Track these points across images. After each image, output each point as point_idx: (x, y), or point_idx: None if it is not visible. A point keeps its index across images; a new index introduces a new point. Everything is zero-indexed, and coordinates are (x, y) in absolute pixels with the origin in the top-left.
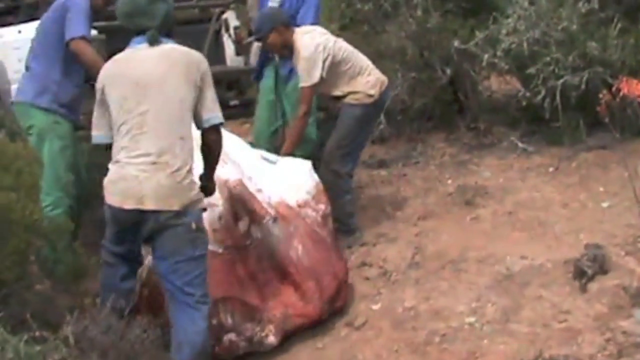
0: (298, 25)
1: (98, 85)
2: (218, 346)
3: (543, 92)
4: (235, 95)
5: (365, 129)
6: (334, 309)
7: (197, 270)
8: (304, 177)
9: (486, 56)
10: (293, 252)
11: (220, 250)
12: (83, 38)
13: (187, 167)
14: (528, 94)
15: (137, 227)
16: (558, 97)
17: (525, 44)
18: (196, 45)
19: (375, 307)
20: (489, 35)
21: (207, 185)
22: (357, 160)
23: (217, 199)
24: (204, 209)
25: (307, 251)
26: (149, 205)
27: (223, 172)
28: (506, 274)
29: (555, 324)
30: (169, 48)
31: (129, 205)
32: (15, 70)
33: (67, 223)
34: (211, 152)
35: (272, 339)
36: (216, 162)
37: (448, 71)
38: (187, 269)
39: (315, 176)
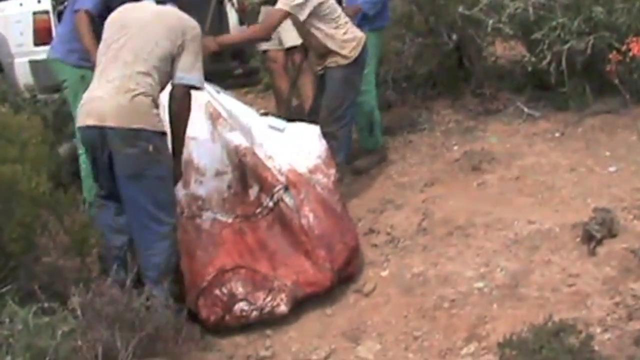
0: None
1: (106, 23)
2: (229, 315)
3: (549, 57)
4: (239, 64)
5: (351, 87)
6: (344, 277)
7: (159, 189)
8: (313, 142)
9: (491, 22)
10: (304, 220)
11: (229, 220)
12: (86, 12)
13: (150, 97)
14: (533, 60)
15: (103, 152)
16: (564, 62)
17: (530, 9)
18: (199, 14)
19: (384, 273)
20: (494, 0)
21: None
22: (352, 118)
23: (226, 167)
24: (164, 133)
25: (318, 219)
26: (109, 122)
27: (233, 137)
28: (514, 239)
29: (564, 288)
30: (168, 9)
31: (91, 121)
32: (18, 43)
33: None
34: (173, 112)
35: (283, 308)
36: (179, 129)
37: (454, 37)
38: (152, 188)
39: (324, 141)
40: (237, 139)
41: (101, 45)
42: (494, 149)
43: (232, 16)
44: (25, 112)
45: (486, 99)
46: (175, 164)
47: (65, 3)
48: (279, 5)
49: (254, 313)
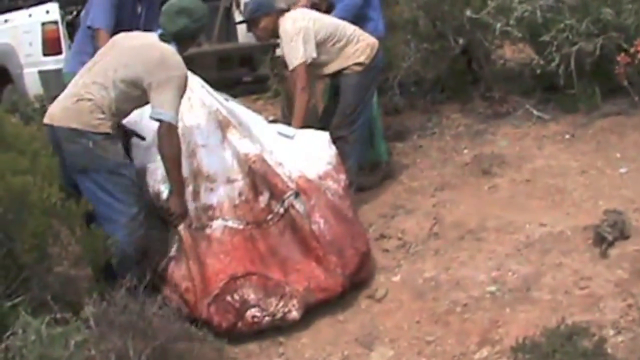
0: None
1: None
2: (241, 321)
3: (557, 60)
4: (248, 71)
5: (365, 93)
6: (355, 282)
7: (110, 182)
8: (323, 148)
9: (499, 25)
10: (315, 226)
11: (241, 227)
12: (100, 29)
13: (95, 102)
14: (542, 62)
15: (60, 149)
16: (572, 64)
17: (538, 11)
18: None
19: (396, 278)
20: (502, 3)
21: (169, 207)
22: (364, 122)
23: (237, 174)
24: (108, 134)
25: (329, 225)
26: (55, 122)
27: (242, 145)
28: (526, 242)
29: (576, 290)
30: (166, 46)
31: (46, 120)
32: (27, 54)
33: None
34: (160, 151)
35: (295, 314)
36: (170, 164)
37: (461, 41)
38: (102, 181)
39: (334, 147)
40: (246, 146)
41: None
42: (504, 152)
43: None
44: (36, 122)
45: (495, 102)
46: (172, 199)
47: (74, 13)
48: (294, 64)
49: (266, 319)
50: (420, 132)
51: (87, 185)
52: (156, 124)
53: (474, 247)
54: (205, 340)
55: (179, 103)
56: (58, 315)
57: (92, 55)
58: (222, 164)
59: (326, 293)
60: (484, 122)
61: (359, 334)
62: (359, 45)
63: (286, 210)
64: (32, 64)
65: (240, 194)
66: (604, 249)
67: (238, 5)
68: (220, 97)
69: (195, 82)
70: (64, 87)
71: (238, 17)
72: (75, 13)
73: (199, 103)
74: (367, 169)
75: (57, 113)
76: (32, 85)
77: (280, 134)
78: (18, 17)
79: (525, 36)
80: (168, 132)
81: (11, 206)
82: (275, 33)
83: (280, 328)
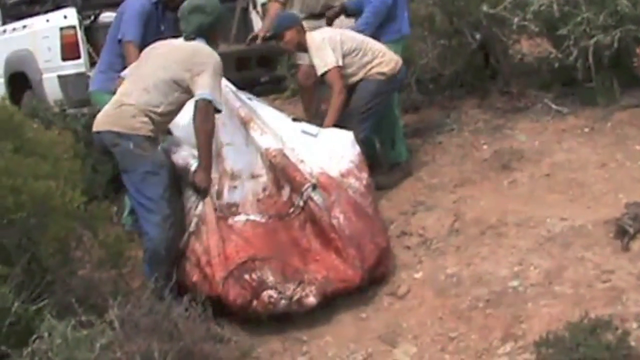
0: None
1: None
2: (257, 300)
3: (575, 53)
4: (266, 71)
5: (381, 100)
6: (375, 277)
7: (145, 182)
8: (346, 147)
9: (516, 19)
10: (334, 221)
11: (263, 220)
12: (130, 42)
13: (137, 107)
14: (560, 56)
15: (106, 151)
16: (590, 57)
17: (555, 5)
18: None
19: (417, 275)
20: None
21: (194, 180)
22: (373, 127)
23: (261, 169)
24: (149, 137)
25: (349, 220)
26: (99, 128)
27: (264, 140)
28: (547, 237)
29: (598, 284)
30: (193, 42)
31: (93, 129)
32: (46, 59)
33: (106, 209)
34: (195, 125)
35: (312, 300)
36: (202, 140)
37: (478, 36)
38: (139, 182)
39: (357, 147)
40: (268, 141)
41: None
42: (523, 147)
43: (258, 24)
44: (56, 127)
45: (513, 97)
46: (198, 173)
47: (92, 18)
48: (322, 70)
49: (283, 302)
50: (439, 128)
51: (128, 184)
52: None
53: (495, 243)
54: (230, 341)
55: (219, 87)
56: (83, 318)
57: (121, 71)
58: (247, 161)
59: (345, 284)
60: (503, 117)
61: (382, 331)
62: (383, 58)
63: (305, 203)
64: (51, 69)
65: (264, 189)
66: (626, 242)
67: (255, 6)
68: (243, 95)
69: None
70: (84, 93)
71: (255, 18)
72: (93, 18)
73: (223, 102)
74: (386, 168)
75: (101, 119)
76: (52, 90)
77: (304, 132)
78: (36, 23)
79: (542, 30)
80: (205, 108)
81: (34, 211)
82: (301, 45)
83: (305, 325)
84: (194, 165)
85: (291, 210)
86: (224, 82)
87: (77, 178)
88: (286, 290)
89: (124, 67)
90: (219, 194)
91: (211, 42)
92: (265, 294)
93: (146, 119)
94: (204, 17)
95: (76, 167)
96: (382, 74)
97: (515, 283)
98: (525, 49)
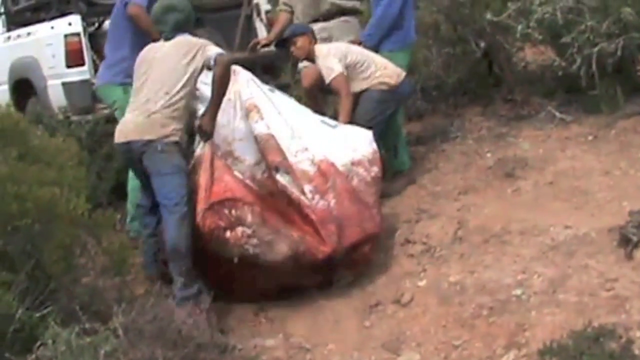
0: None
1: (136, 61)
2: (230, 232)
3: (578, 61)
4: (270, 79)
5: (384, 109)
6: (353, 258)
7: (170, 183)
8: (363, 143)
9: (520, 27)
10: (324, 202)
11: (255, 189)
12: (140, 6)
13: (165, 114)
14: (563, 63)
15: (133, 159)
16: (594, 65)
17: (558, 13)
18: (228, 30)
19: (421, 283)
20: (522, 6)
21: (201, 123)
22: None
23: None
24: (177, 142)
25: (340, 205)
26: (129, 137)
27: (258, 126)
28: (551, 245)
29: (602, 292)
30: (180, 37)
31: (119, 139)
32: (50, 66)
33: (110, 217)
34: (215, 76)
35: (283, 248)
36: (216, 95)
37: (482, 44)
38: (164, 182)
39: (375, 146)
40: (260, 127)
41: (135, 81)
42: (527, 155)
43: (262, 31)
44: (60, 133)
45: (517, 104)
46: (206, 118)
47: (96, 25)
48: (329, 77)
49: (255, 240)
50: (442, 136)
51: (155, 184)
52: None
53: (499, 251)
54: (234, 349)
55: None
56: (87, 325)
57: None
58: (251, 151)
59: (317, 251)
60: (506, 125)
61: (386, 339)
62: (387, 71)
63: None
64: (55, 76)
65: (263, 172)
66: (629, 251)
67: (259, 14)
68: (266, 88)
69: (242, 76)
70: (91, 98)
71: (259, 25)
72: (97, 25)
73: (238, 96)
74: (389, 176)
75: (131, 129)
76: (56, 97)
77: (323, 122)
78: (41, 30)
79: (546, 38)
80: (223, 63)
81: (39, 218)
82: (310, 54)
83: (308, 330)
84: (201, 109)
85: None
86: (247, 76)
87: (82, 185)
88: (260, 232)
89: (138, 49)
90: (227, 156)
91: (189, 32)
92: (240, 229)
93: (175, 126)
94: (178, 15)
95: (80, 175)
96: (385, 84)
97: (518, 291)
98: (529, 57)
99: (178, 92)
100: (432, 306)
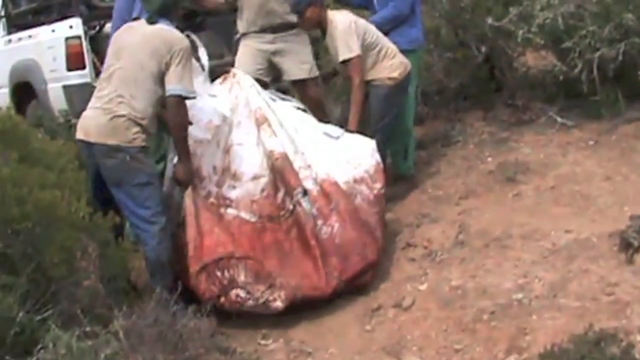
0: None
1: (112, 38)
2: (224, 297)
3: (580, 66)
4: (272, 82)
5: (392, 106)
6: (354, 287)
7: (142, 194)
8: (365, 155)
9: (521, 32)
10: (327, 228)
11: (253, 220)
12: None
13: (129, 117)
14: (565, 68)
15: (94, 163)
16: (595, 70)
17: (560, 18)
18: (227, 35)
19: (422, 287)
20: (523, 11)
21: (176, 174)
22: (386, 139)
23: (264, 170)
24: (143, 147)
25: (343, 229)
26: (92, 138)
27: (271, 143)
28: (552, 249)
29: (603, 297)
30: (157, 28)
31: (80, 135)
32: (51, 69)
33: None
34: (168, 121)
35: (278, 304)
36: (175, 135)
37: (483, 49)
38: (135, 193)
39: (377, 157)
40: (274, 144)
41: (104, 64)
42: (528, 160)
43: None
44: (60, 137)
45: (518, 109)
46: (179, 166)
47: (97, 28)
48: (347, 56)
49: (250, 302)
50: (444, 140)
51: (122, 197)
52: None
53: (500, 255)
54: (236, 352)
55: (188, 72)
56: (87, 329)
57: None
58: (252, 162)
59: (316, 292)
60: (508, 130)
61: (387, 343)
62: (394, 60)
63: (294, 207)
64: (56, 79)
65: (262, 190)
66: (630, 255)
67: None
68: (267, 95)
69: (245, 81)
70: (87, 101)
71: None
72: (98, 28)
73: (244, 102)
74: (391, 180)
75: (93, 129)
76: (57, 100)
77: (325, 134)
78: (42, 33)
79: (547, 43)
80: (174, 103)
81: (39, 221)
82: (320, 25)
83: (309, 335)
84: (174, 158)
85: (282, 213)
86: (250, 81)
87: (82, 188)
88: (255, 291)
89: None
90: (220, 184)
91: (172, 20)
92: (234, 293)
93: (139, 128)
94: None
95: (81, 178)
96: (392, 78)
97: (519, 295)
98: (530, 62)
99: (143, 96)
100: (433, 310)
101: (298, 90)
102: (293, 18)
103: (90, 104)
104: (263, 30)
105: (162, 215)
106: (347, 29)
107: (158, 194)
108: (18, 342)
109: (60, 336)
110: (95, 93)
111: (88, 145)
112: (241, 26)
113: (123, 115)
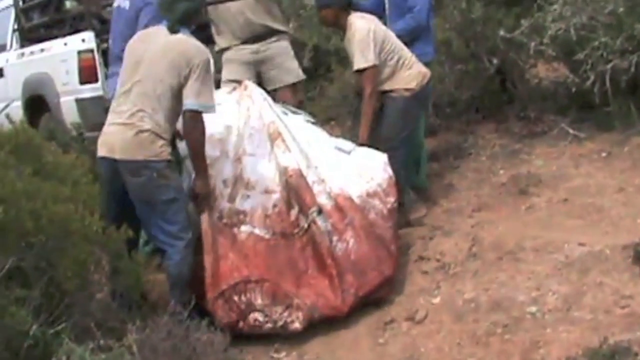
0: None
1: (126, 49)
2: (243, 322)
3: (592, 78)
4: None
5: (410, 119)
6: (370, 301)
7: (170, 210)
8: (377, 169)
9: (533, 44)
10: (342, 244)
11: (267, 236)
12: None
13: (153, 131)
14: (577, 80)
15: (118, 180)
16: (607, 82)
17: (572, 30)
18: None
19: (435, 300)
20: (535, 22)
21: (194, 183)
22: (405, 154)
23: (276, 186)
24: (169, 160)
25: (358, 245)
26: (117, 155)
27: (285, 158)
28: (565, 262)
29: (617, 309)
30: (177, 39)
31: (103, 152)
32: (63, 82)
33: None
34: (185, 135)
35: (297, 325)
36: (192, 150)
37: (495, 61)
38: (164, 209)
39: (390, 170)
40: (288, 160)
41: (120, 77)
42: (540, 172)
43: None
44: (73, 150)
45: (530, 121)
46: (196, 181)
47: (110, 41)
48: (361, 65)
49: (268, 325)
50: (456, 153)
51: (149, 213)
52: None
53: (513, 268)
54: None
55: (209, 85)
56: (101, 342)
57: None
58: (264, 175)
59: (332, 311)
60: (520, 142)
61: (400, 357)
62: (411, 71)
63: (309, 226)
64: (68, 93)
65: (274, 205)
66: None
67: None
68: (279, 109)
69: (257, 94)
70: (102, 116)
71: None
72: (110, 41)
73: (257, 115)
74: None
75: (118, 146)
76: (69, 113)
77: (337, 148)
78: (54, 46)
79: (559, 55)
80: (192, 120)
81: (53, 234)
82: (337, 25)
83: (324, 347)
84: (193, 174)
85: (296, 230)
86: (264, 95)
87: (95, 202)
88: (273, 313)
89: None
90: (232, 198)
91: (190, 28)
92: (252, 317)
93: (163, 142)
94: (189, 4)
95: (94, 191)
96: (409, 89)
97: (533, 308)
98: (542, 74)
99: (164, 110)
100: (446, 323)
101: (281, 96)
102: (271, 24)
103: (109, 120)
104: (244, 42)
105: (188, 230)
106: (364, 37)
107: (185, 209)
108: (32, 356)
109: (73, 349)
110: (114, 108)
111: (111, 162)
112: (221, 41)
113: (147, 130)
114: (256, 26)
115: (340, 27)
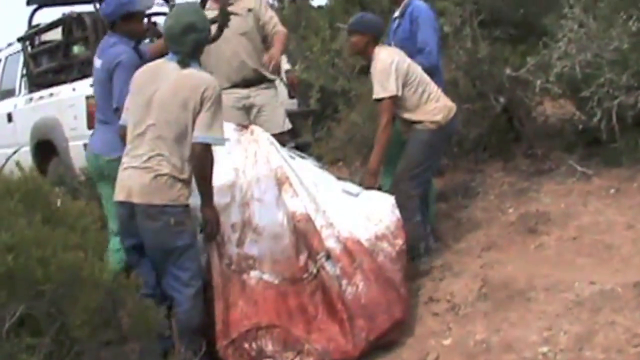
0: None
1: (132, 82)
2: None
3: (599, 114)
4: (290, 138)
5: (433, 153)
6: (381, 344)
7: (182, 257)
8: (385, 211)
9: (539, 82)
10: (352, 288)
11: (276, 282)
12: None
13: (172, 175)
14: (583, 117)
15: (133, 223)
16: (614, 118)
17: (577, 67)
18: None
19: (446, 342)
20: (541, 60)
21: (202, 212)
22: (429, 183)
23: (284, 231)
24: (186, 205)
25: (368, 288)
26: (135, 199)
27: (293, 204)
28: (576, 301)
29: (630, 348)
30: (187, 74)
31: (120, 197)
32: (72, 127)
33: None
34: (194, 168)
35: None
36: (201, 182)
37: (501, 99)
38: (176, 255)
39: (397, 212)
40: (296, 205)
41: (130, 114)
42: (549, 210)
43: (282, 90)
44: (82, 195)
45: (538, 159)
46: (203, 209)
47: None
48: (380, 95)
49: None
50: (464, 192)
51: (160, 259)
52: None
53: (524, 308)
54: None
55: (219, 118)
56: None
57: None
58: (272, 220)
59: (344, 356)
60: (528, 180)
61: None
62: (438, 104)
63: (318, 271)
64: (77, 137)
65: (283, 251)
66: None
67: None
68: (285, 153)
69: (264, 139)
70: None
71: (279, 84)
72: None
73: (264, 159)
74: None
75: (136, 190)
76: (78, 158)
77: (345, 191)
78: (63, 91)
79: (565, 92)
80: (201, 152)
81: (63, 282)
82: (364, 54)
83: None
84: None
85: (305, 275)
86: (271, 139)
87: (105, 249)
88: (284, 359)
89: None
90: (240, 243)
91: (198, 58)
92: None
93: (181, 184)
94: (198, 35)
95: (103, 238)
96: (434, 122)
97: (545, 349)
98: (549, 111)
99: (181, 151)
100: None
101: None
102: (262, 70)
103: (125, 164)
104: (235, 85)
105: (199, 278)
106: (386, 68)
107: (197, 256)
108: None
109: None
110: (129, 151)
111: (129, 205)
112: None
113: (166, 174)
114: (249, 71)
115: (366, 57)
